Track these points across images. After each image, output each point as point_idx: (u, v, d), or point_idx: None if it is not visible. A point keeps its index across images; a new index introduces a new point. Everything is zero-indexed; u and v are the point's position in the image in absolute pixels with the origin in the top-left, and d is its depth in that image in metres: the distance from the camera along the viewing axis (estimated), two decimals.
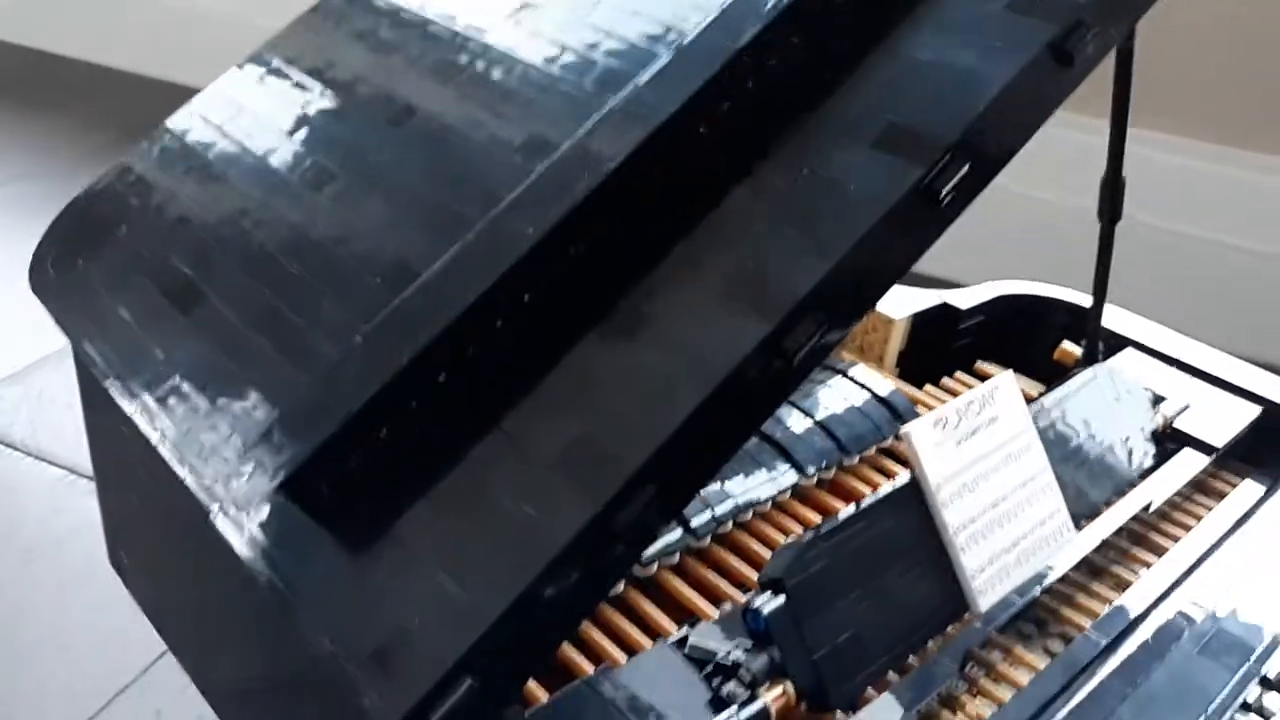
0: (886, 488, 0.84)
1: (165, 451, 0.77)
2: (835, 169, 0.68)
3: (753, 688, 0.71)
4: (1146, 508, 0.94)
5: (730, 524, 0.90)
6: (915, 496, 0.80)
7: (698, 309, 0.67)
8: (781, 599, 0.72)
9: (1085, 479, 0.92)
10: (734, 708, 0.69)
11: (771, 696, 0.71)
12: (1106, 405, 0.96)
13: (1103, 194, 0.99)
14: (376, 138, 0.84)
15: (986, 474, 0.84)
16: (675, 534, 0.86)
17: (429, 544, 0.67)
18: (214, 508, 0.73)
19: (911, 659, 0.79)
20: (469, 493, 0.68)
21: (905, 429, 0.81)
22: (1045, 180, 1.58)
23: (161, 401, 0.84)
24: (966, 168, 0.64)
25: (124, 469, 1.05)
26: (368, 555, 0.68)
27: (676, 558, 0.87)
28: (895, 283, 0.69)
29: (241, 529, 0.72)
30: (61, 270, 0.99)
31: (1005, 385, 0.87)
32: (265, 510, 0.72)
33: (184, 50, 2.46)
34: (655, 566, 0.86)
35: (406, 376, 0.68)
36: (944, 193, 0.64)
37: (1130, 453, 0.97)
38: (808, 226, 0.66)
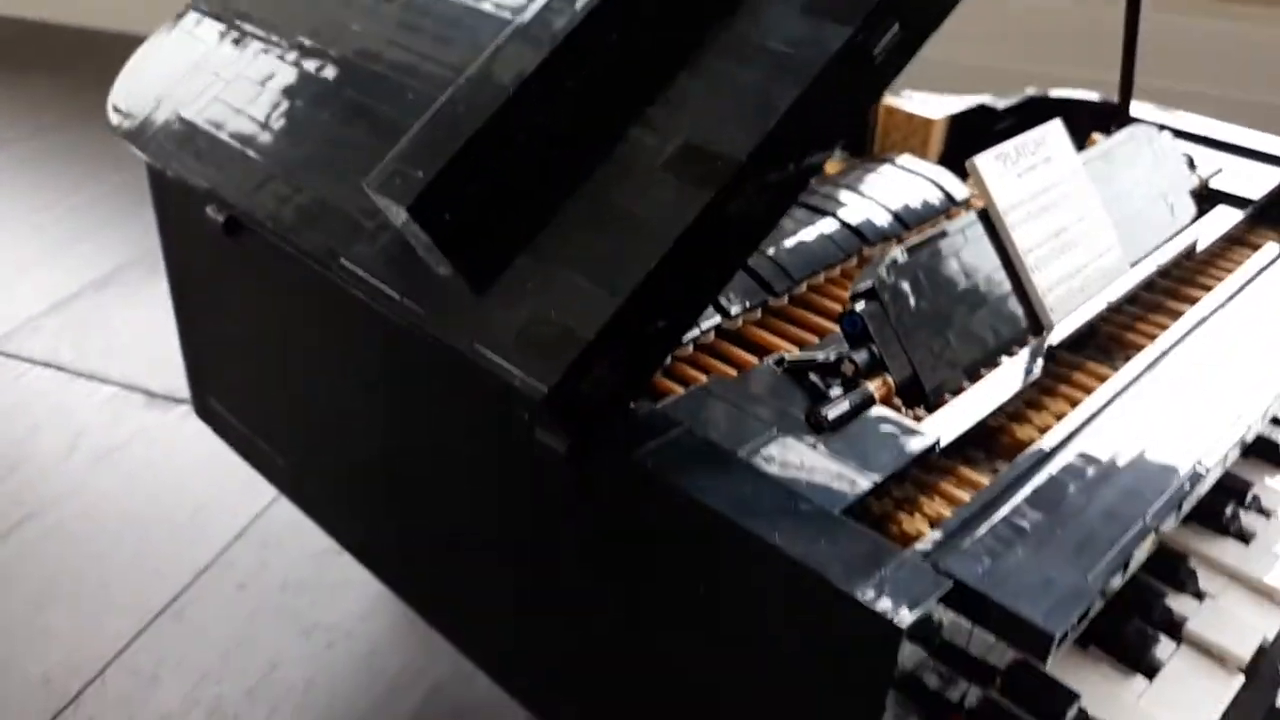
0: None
1: (285, 222, 0.82)
2: None
3: (854, 381, 0.76)
4: (1192, 249, 0.99)
5: (804, 287, 0.96)
6: (986, 221, 0.86)
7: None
8: (875, 302, 0.77)
9: (1133, 225, 0.98)
10: (841, 390, 0.74)
11: (873, 386, 0.76)
12: (1146, 162, 1.02)
13: None
14: None
15: (1047, 206, 0.89)
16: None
17: (552, 252, 0.72)
18: (340, 255, 0.78)
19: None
20: (587, 203, 0.73)
21: (971, 159, 0.86)
22: None
23: (270, 192, 0.88)
24: None
25: (216, 293, 1.09)
26: (494, 270, 0.73)
27: (759, 314, 0.92)
28: None
29: (371, 268, 0.77)
30: (139, 108, 1.04)
31: (1054, 131, 0.93)
32: (390, 251, 0.77)
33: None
34: (740, 321, 0.91)
35: (512, 106, 0.73)
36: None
37: (1172, 207, 1.03)
38: None
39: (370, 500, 1.02)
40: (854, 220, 1.01)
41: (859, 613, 0.58)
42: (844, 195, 1.04)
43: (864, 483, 0.68)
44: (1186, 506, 0.70)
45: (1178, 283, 1.00)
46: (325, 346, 0.97)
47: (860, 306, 0.77)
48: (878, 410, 0.75)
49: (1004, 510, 0.67)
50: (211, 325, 1.14)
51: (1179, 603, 0.87)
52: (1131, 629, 0.82)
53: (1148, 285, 0.97)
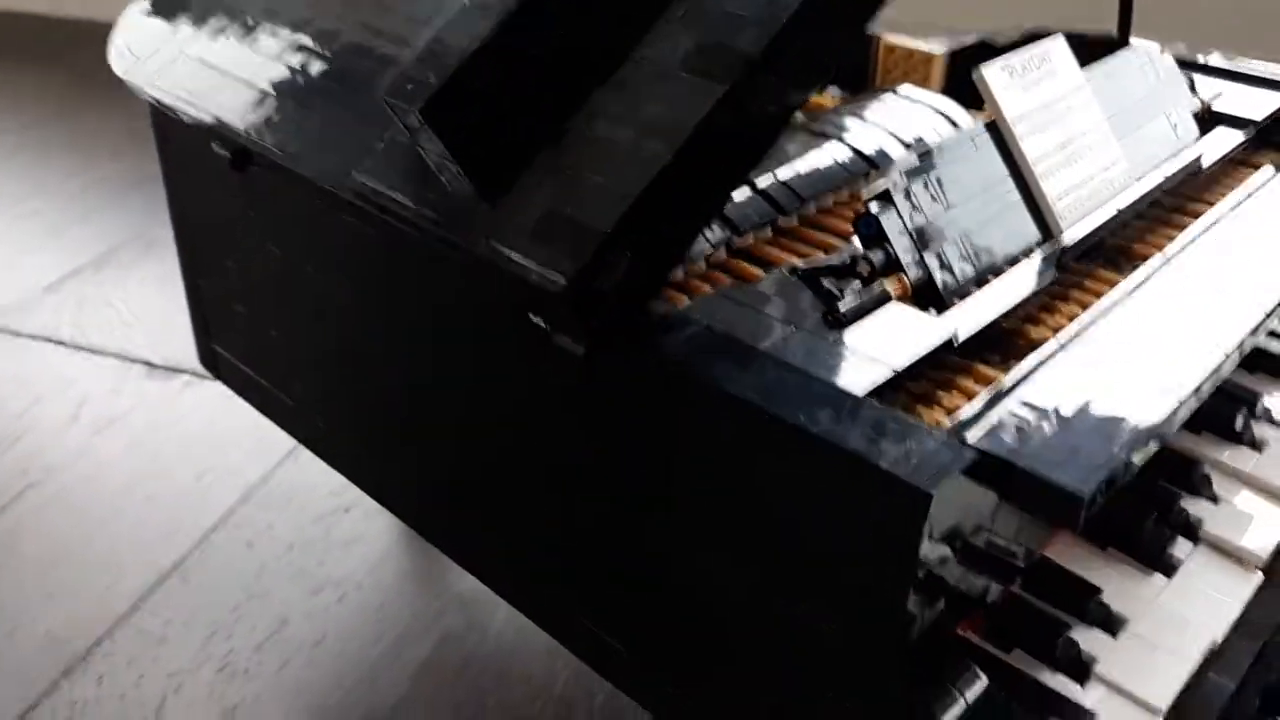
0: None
1: (294, 149, 0.82)
2: None
3: (869, 281, 0.77)
4: (1197, 166, 1.00)
5: (813, 208, 0.96)
6: (994, 132, 0.86)
7: None
8: (889, 204, 0.78)
9: (1138, 141, 0.98)
10: (859, 285, 0.75)
11: (888, 283, 0.76)
12: (1149, 81, 1.02)
13: None
14: None
15: (1053, 119, 0.90)
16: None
17: (565, 156, 0.72)
18: (351, 171, 0.78)
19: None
20: (600, 107, 0.73)
21: (978, 69, 0.86)
22: None
23: (277, 122, 0.88)
24: None
25: (221, 235, 1.09)
26: (507, 177, 0.73)
27: (769, 233, 0.92)
28: None
29: (384, 180, 0.77)
30: (141, 49, 1.03)
31: (1057, 46, 0.93)
32: (402, 165, 0.77)
33: None
34: (751, 238, 0.91)
35: (523, 14, 0.73)
36: None
37: (1175, 126, 1.03)
38: None
39: (386, 430, 1.02)
40: (861, 145, 1.01)
41: (887, 483, 0.58)
42: (850, 122, 1.04)
43: (884, 370, 0.68)
44: (1208, 389, 0.70)
45: (1183, 199, 1.00)
46: (334, 278, 0.97)
47: (875, 208, 0.78)
48: (894, 306, 0.75)
49: (1025, 392, 0.67)
50: (217, 270, 1.14)
51: (1195, 506, 0.88)
52: (1149, 529, 0.83)
53: (1154, 201, 0.98)
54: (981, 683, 0.63)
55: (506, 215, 0.71)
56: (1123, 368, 0.70)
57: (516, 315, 0.76)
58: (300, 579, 1.46)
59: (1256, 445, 0.95)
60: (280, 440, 1.69)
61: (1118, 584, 0.80)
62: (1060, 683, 0.71)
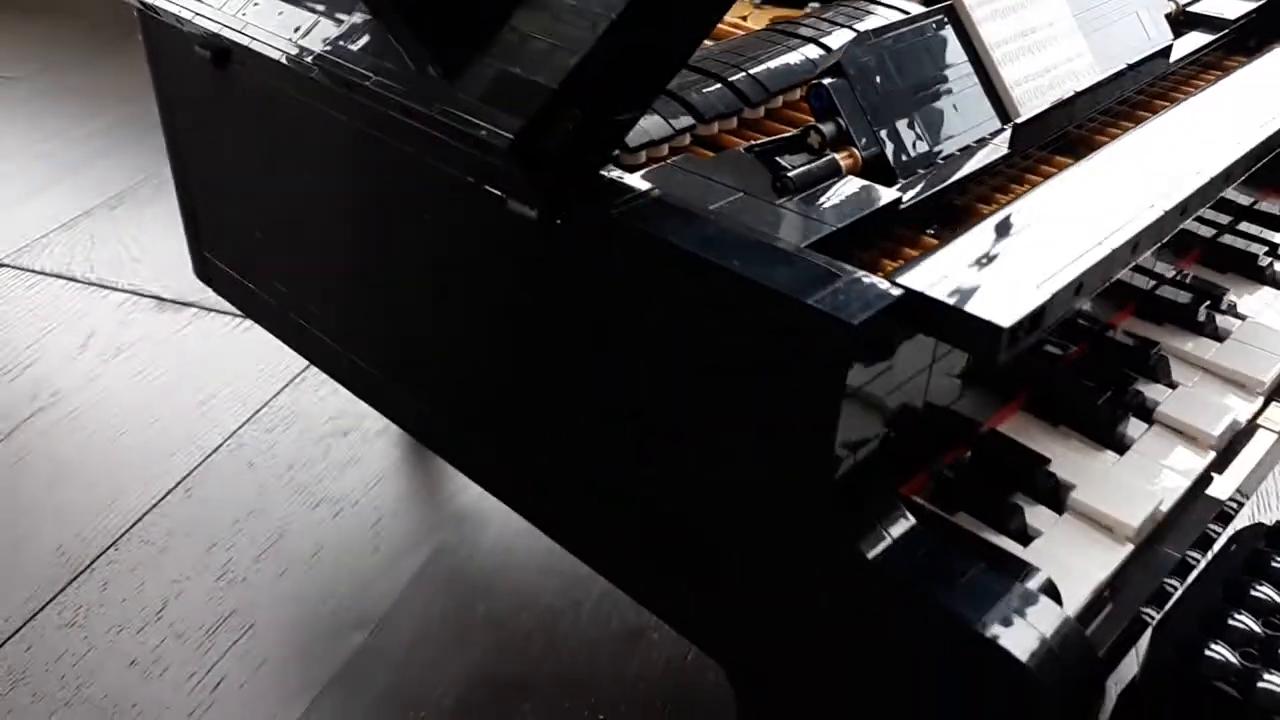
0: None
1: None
2: None
3: (820, 151, 0.78)
4: (1166, 65, 1.00)
5: (780, 102, 0.97)
6: (953, 15, 0.87)
7: None
8: (841, 77, 0.79)
9: (1107, 38, 0.99)
10: (807, 156, 0.76)
11: (839, 156, 0.78)
12: None
13: None
14: None
15: (1015, 6, 0.91)
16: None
17: (515, 28, 0.74)
18: (315, 54, 0.80)
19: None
20: None
21: None
22: None
23: (250, 18, 0.91)
24: None
25: (206, 139, 1.12)
26: (462, 48, 0.75)
27: (734, 122, 0.94)
28: None
29: (346, 57, 0.79)
30: None
31: None
32: (365, 46, 0.79)
33: None
34: (716, 127, 0.93)
35: None
36: None
37: (1147, 26, 1.03)
38: None
39: (370, 321, 1.04)
40: (829, 43, 1.02)
41: (814, 318, 0.60)
42: (822, 25, 1.05)
43: (825, 228, 0.70)
44: (1145, 247, 0.72)
45: (1152, 99, 1.01)
46: (308, 169, 0.99)
47: (827, 80, 0.79)
48: (845, 178, 0.76)
49: (959, 245, 0.68)
50: (204, 176, 1.17)
51: (1152, 390, 0.89)
52: (1102, 406, 0.84)
53: (1124, 100, 0.98)
54: (908, 523, 0.65)
55: (461, 82, 0.73)
56: (1059, 228, 0.71)
57: (476, 188, 0.79)
58: (299, 496, 1.50)
59: (1218, 336, 0.96)
60: (283, 368, 1.73)
61: (1068, 458, 0.82)
62: (1003, 542, 0.73)
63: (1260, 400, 0.89)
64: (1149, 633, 0.91)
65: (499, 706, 1.21)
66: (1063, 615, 0.62)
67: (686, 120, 0.89)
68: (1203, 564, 1.02)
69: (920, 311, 0.62)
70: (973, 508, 0.74)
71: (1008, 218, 0.73)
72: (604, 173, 0.75)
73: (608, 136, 0.74)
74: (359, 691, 1.23)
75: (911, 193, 0.76)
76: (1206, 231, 1.06)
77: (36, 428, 1.64)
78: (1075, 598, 0.69)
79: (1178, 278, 1.02)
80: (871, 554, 0.63)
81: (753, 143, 0.83)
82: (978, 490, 0.76)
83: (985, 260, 0.66)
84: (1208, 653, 0.90)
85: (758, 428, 0.67)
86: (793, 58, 1.00)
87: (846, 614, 0.67)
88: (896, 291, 0.61)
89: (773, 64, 0.98)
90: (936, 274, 0.64)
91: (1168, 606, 0.91)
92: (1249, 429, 0.88)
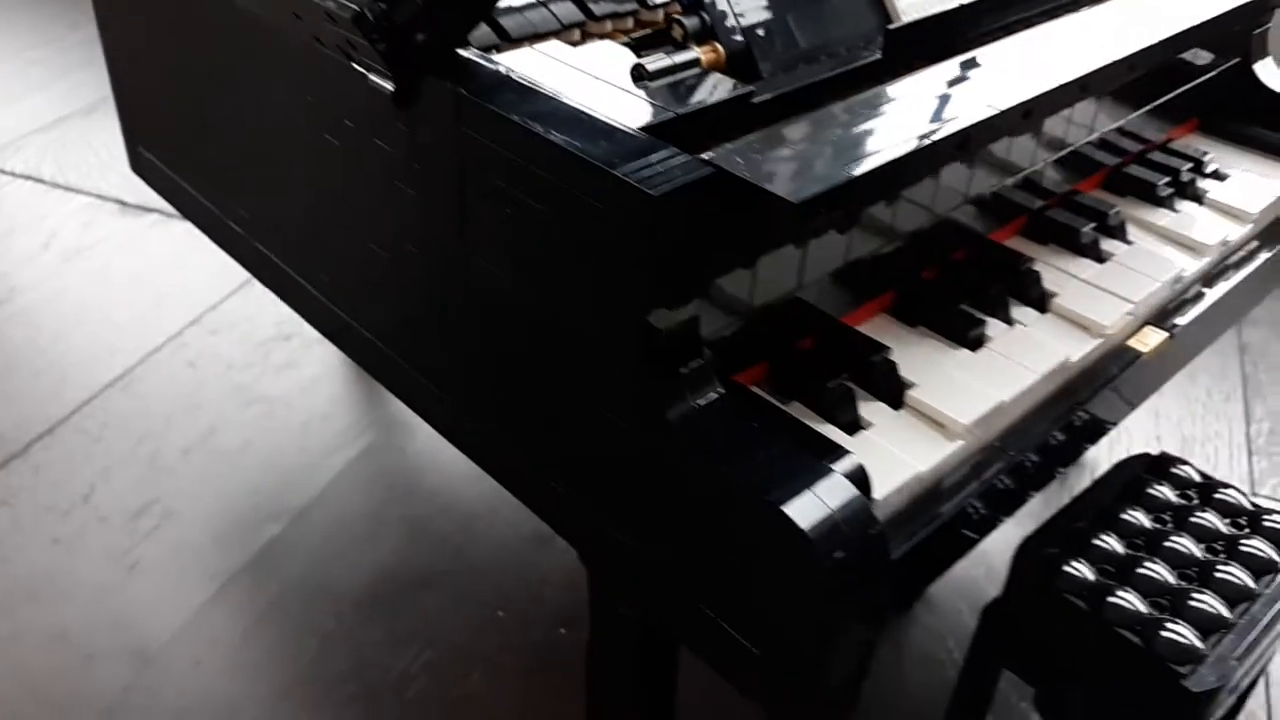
0: None
1: None
2: None
3: (683, 45, 0.79)
4: None
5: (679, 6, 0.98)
6: None
7: None
8: None
9: None
10: (666, 51, 0.77)
11: (701, 51, 0.79)
12: None
13: None
14: None
15: None
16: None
17: None
18: None
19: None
20: None
21: None
22: None
23: None
24: None
25: (135, 40, 1.13)
26: None
27: (630, 22, 0.94)
28: None
29: None
30: None
31: None
32: None
33: None
34: (609, 25, 0.93)
35: None
36: None
37: None
38: None
39: (269, 208, 1.06)
40: None
41: (623, 190, 0.61)
42: None
43: (665, 114, 0.71)
44: (978, 144, 0.72)
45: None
46: (206, 58, 1.01)
47: None
48: (702, 71, 0.77)
49: (779, 131, 0.69)
50: (127, 67, 1.18)
51: (1021, 313, 0.90)
52: (959, 309, 0.85)
53: (1022, 19, 0.98)
54: (715, 394, 0.66)
55: None
56: (888, 120, 0.72)
57: (347, 66, 0.80)
58: (234, 395, 1.53)
59: (1100, 258, 0.96)
60: (235, 274, 1.75)
61: (917, 353, 0.83)
62: (827, 430, 0.74)
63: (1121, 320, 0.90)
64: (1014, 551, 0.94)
65: (400, 598, 1.24)
66: (854, 493, 0.63)
67: (576, 15, 0.90)
68: (1080, 490, 1.05)
69: (725, 187, 0.63)
70: (804, 396, 0.76)
71: (843, 109, 0.74)
72: (464, 53, 0.76)
73: (464, 17, 0.75)
74: (268, 579, 1.26)
75: (768, 91, 0.77)
76: (1109, 159, 1.06)
77: None
78: (886, 484, 0.70)
79: (1072, 198, 1.02)
80: (672, 415, 0.65)
81: (632, 36, 0.83)
82: (810, 379, 0.77)
83: (797, 143, 0.67)
84: (1065, 569, 0.92)
85: (594, 301, 0.68)
86: None
87: (660, 486, 0.69)
88: (704, 170, 0.63)
89: None
90: (745, 155, 0.65)
91: (1039, 528, 0.93)
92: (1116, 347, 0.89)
